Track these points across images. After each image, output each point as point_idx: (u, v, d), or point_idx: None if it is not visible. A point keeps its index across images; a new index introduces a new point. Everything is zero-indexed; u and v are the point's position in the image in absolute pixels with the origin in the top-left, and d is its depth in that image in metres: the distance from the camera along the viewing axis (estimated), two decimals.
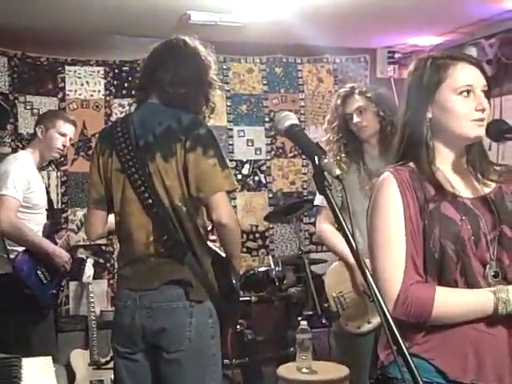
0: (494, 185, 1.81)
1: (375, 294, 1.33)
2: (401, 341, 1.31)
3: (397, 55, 5.57)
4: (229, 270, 2.54)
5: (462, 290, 1.70)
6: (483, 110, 1.74)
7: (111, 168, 2.53)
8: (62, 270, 3.79)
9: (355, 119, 3.19)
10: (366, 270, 1.34)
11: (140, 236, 2.47)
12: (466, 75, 1.76)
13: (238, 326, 2.45)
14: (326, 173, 1.41)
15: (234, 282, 2.54)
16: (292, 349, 3.89)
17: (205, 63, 2.57)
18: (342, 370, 3.36)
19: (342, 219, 1.35)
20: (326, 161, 1.42)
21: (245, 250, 5.28)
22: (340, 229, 1.36)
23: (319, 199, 3.29)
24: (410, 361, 1.30)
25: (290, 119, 1.54)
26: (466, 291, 1.70)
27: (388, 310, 1.59)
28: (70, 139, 3.90)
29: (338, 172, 1.40)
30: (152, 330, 2.44)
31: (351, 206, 3.27)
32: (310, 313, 4.09)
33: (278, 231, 5.42)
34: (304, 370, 3.36)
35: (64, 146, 3.81)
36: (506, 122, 1.78)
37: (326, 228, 3.26)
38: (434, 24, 4.79)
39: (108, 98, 5.00)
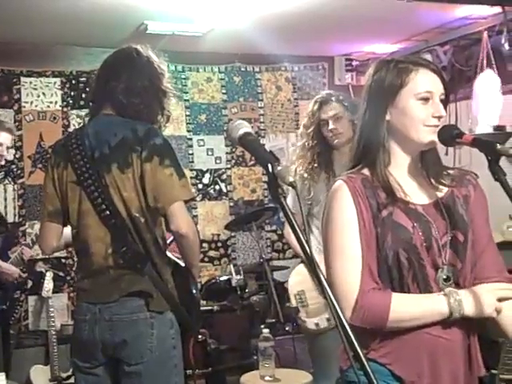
0: (446, 189, 1.83)
1: (330, 299, 1.33)
2: (357, 346, 1.32)
3: (354, 63, 5.64)
4: (188, 279, 2.53)
5: (416, 295, 1.72)
6: (439, 118, 1.76)
7: (66, 180, 2.49)
8: (11, 285, 3.72)
9: (331, 125, 3.22)
10: (321, 276, 1.35)
11: (98, 248, 2.44)
12: (426, 82, 1.77)
13: (200, 336, 2.44)
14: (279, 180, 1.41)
15: (194, 291, 2.54)
16: (256, 357, 3.88)
17: (158, 72, 2.55)
18: (304, 377, 3.37)
19: (296, 226, 1.36)
20: (279, 168, 1.42)
21: (207, 259, 5.28)
22: (295, 235, 1.36)
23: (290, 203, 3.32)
24: (366, 365, 1.31)
25: (244, 127, 1.54)
26: (420, 296, 1.72)
27: (344, 316, 1.63)
28: (7, 148, 3.87)
29: (291, 179, 1.39)
30: (113, 343, 2.41)
31: (319, 214, 3.32)
32: (273, 320, 4.09)
33: (240, 240, 5.42)
34: (267, 378, 3.36)
35: (1, 155, 3.77)
36: (457, 127, 1.81)
37: (290, 231, 3.29)
38: (389, 32, 4.86)
39: (65, 109, 4.95)
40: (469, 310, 1.69)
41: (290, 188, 1.40)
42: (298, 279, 3.36)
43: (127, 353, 2.39)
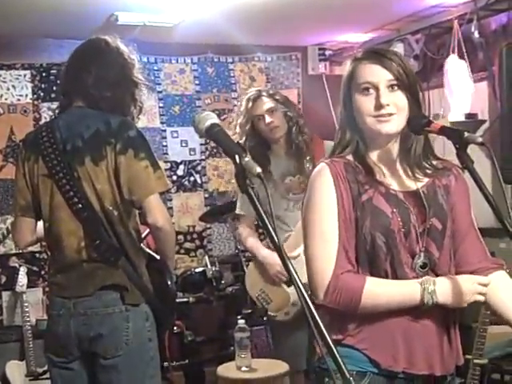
0: (427, 179, 1.85)
1: (299, 288, 1.33)
2: (325, 332, 1.32)
3: (327, 52, 5.64)
4: (164, 272, 2.53)
5: (391, 280, 1.74)
6: (381, 107, 1.76)
7: (38, 174, 2.47)
8: None
9: (267, 119, 3.29)
10: (289, 265, 1.35)
11: (71, 242, 2.43)
12: (365, 73, 1.80)
13: (175, 328, 2.45)
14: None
15: (169, 283, 2.53)
16: (233, 348, 3.89)
17: (128, 62, 2.53)
18: (281, 367, 3.39)
19: (262, 215, 1.38)
20: (247, 159, 1.42)
21: (182, 251, 5.26)
22: (263, 226, 1.37)
23: (238, 208, 3.42)
24: (335, 350, 1.32)
25: (211, 119, 1.54)
26: (394, 282, 1.74)
27: (317, 297, 1.68)
28: None
29: (258, 170, 1.40)
30: (88, 336, 2.40)
31: (275, 210, 3.34)
32: (249, 311, 4.11)
33: (216, 231, 5.41)
34: (243, 369, 3.37)
35: None
36: (425, 115, 1.82)
37: (241, 231, 3.46)
38: (361, 21, 4.86)
39: (36, 102, 4.88)
40: (443, 299, 1.70)
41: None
42: (251, 280, 3.44)
43: (103, 346, 2.39)
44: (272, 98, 3.34)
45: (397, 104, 1.78)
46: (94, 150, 2.40)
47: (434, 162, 1.88)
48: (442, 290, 1.71)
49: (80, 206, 2.40)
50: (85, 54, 2.53)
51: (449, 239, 1.81)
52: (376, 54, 1.84)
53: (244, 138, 3.31)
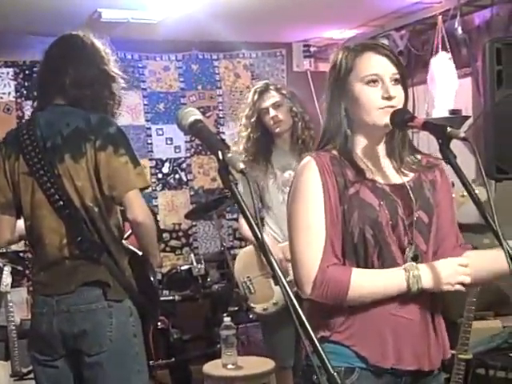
0: (412, 174, 1.85)
1: (283, 284, 1.33)
2: (310, 330, 1.32)
3: (312, 49, 5.64)
4: (146, 268, 2.53)
5: (375, 270, 1.74)
6: (390, 98, 1.77)
7: (18, 172, 2.46)
8: None
9: (272, 113, 3.32)
10: (273, 261, 1.34)
11: (53, 239, 2.42)
12: (371, 65, 1.79)
13: (159, 323, 2.45)
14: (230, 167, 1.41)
15: (151, 279, 2.54)
16: (219, 346, 3.89)
17: (104, 58, 2.53)
18: (267, 364, 3.39)
19: (245, 210, 1.37)
20: (229, 155, 1.42)
21: (168, 248, 5.25)
22: (245, 220, 1.36)
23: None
24: (319, 347, 1.31)
25: (193, 115, 1.53)
26: (379, 271, 1.74)
27: (304, 292, 1.68)
28: None
29: (242, 166, 1.40)
30: (72, 334, 2.39)
31: (269, 200, 3.36)
32: (236, 308, 4.10)
33: (201, 228, 5.40)
34: (229, 366, 3.37)
35: None
36: (408, 111, 1.82)
37: (242, 222, 3.37)
38: (346, 17, 4.86)
39: (19, 100, 4.85)
40: (428, 283, 1.71)
41: (241, 176, 1.40)
42: (242, 265, 3.45)
43: (87, 343, 2.38)
44: (279, 92, 3.35)
45: (399, 98, 1.79)
46: (74, 147, 2.40)
47: (419, 157, 1.89)
48: (426, 274, 1.71)
49: (61, 203, 2.40)
50: (62, 53, 2.52)
51: (434, 233, 1.82)
52: (377, 46, 1.83)
53: (249, 130, 3.34)
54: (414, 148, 1.90)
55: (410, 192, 1.81)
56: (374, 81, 1.78)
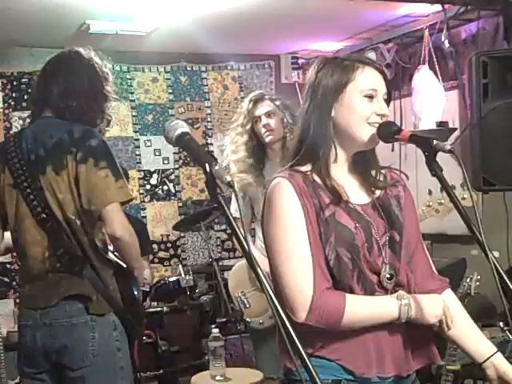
0: (379, 191, 1.85)
1: (271, 299, 1.33)
2: (298, 344, 1.32)
3: (300, 61, 5.67)
4: (130, 281, 2.51)
5: (369, 297, 1.73)
6: (383, 116, 1.78)
7: (4, 184, 2.47)
8: None
9: (264, 121, 3.31)
10: (261, 274, 1.34)
11: (36, 252, 2.42)
12: (371, 79, 1.79)
13: (144, 338, 2.42)
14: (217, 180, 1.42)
15: (135, 293, 2.52)
16: (207, 357, 3.87)
17: (98, 75, 2.52)
18: (255, 375, 3.37)
19: (233, 224, 1.37)
20: (217, 167, 1.42)
21: (157, 260, 5.24)
22: (232, 233, 1.36)
23: (234, 210, 3.37)
24: (308, 363, 1.31)
25: (180, 127, 1.53)
26: (372, 299, 1.73)
27: (297, 317, 1.65)
28: None
29: (228, 179, 1.40)
30: (54, 348, 2.38)
31: (259, 212, 3.36)
32: (224, 320, 4.08)
33: (190, 240, 5.39)
34: (218, 378, 3.35)
35: None
36: (395, 123, 1.83)
37: None
38: (334, 30, 4.90)
39: (7, 111, 4.86)
40: (415, 314, 1.72)
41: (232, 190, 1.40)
42: (236, 280, 3.45)
43: (69, 358, 2.37)
44: (273, 102, 3.36)
45: (387, 118, 1.80)
46: (56, 160, 2.39)
47: (383, 171, 1.89)
48: (415, 305, 1.72)
49: (44, 215, 2.39)
50: (54, 66, 2.53)
51: (405, 250, 1.81)
52: (374, 62, 1.84)
53: (244, 138, 3.34)
54: (377, 163, 1.88)
55: (381, 210, 1.80)
56: (371, 96, 1.78)
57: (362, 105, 1.77)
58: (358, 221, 1.75)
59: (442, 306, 1.75)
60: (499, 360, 1.82)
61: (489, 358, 1.81)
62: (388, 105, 1.83)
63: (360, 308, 1.71)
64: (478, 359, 1.83)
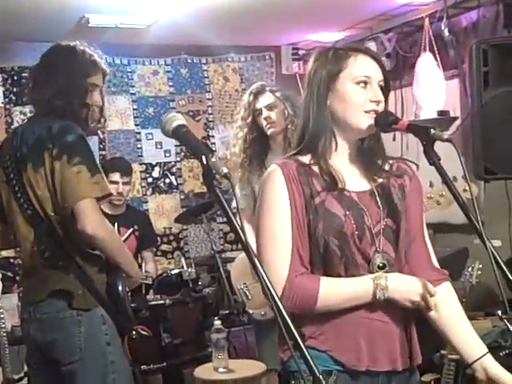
0: (381, 179, 1.84)
1: (268, 288, 1.34)
2: (295, 333, 1.33)
3: (301, 52, 5.65)
4: (115, 276, 2.47)
5: (344, 279, 1.73)
6: (378, 102, 1.77)
7: (0, 180, 2.51)
8: None
9: (265, 114, 3.30)
10: (258, 265, 1.35)
11: (26, 247, 2.46)
12: (364, 66, 1.79)
13: (134, 333, 2.41)
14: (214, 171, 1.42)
15: (119, 288, 2.46)
16: (210, 349, 3.88)
17: (82, 67, 2.50)
18: (258, 367, 3.39)
19: (230, 214, 1.38)
20: (213, 160, 1.42)
21: (159, 253, 5.25)
22: (229, 224, 1.37)
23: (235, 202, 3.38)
24: (306, 352, 1.32)
25: (177, 120, 1.53)
26: (347, 280, 1.73)
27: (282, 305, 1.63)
28: None
29: (225, 170, 1.41)
30: (44, 342, 2.42)
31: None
32: (227, 312, 4.09)
33: (192, 232, 5.40)
34: (221, 370, 3.37)
35: None
36: (392, 113, 1.83)
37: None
38: (334, 20, 4.88)
39: (8, 106, 4.85)
40: (394, 294, 1.71)
41: (238, 180, 1.40)
42: (238, 272, 3.46)
43: (58, 352, 2.39)
44: (274, 93, 3.35)
45: (383, 104, 1.79)
46: (35, 157, 2.40)
47: (390, 161, 1.89)
48: (393, 285, 1.71)
49: (30, 211, 2.42)
50: (39, 63, 2.55)
51: (403, 239, 1.81)
52: (370, 50, 1.85)
53: (246, 131, 3.33)
54: (384, 154, 1.88)
55: (378, 198, 1.80)
56: (365, 82, 1.77)
57: (355, 92, 1.77)
58: (350, 208, 1.75)
59: (420, 291, 1.73)
60: (489, 362, 1.79)
61: (478, 359, 1.79)
62: (387, 93, 1.83)
63: (334, 290, 1.71)
64: (467, 359, 1.81)
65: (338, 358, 1.73)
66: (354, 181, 1.82)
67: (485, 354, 1.80)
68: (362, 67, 1.78)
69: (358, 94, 1.77)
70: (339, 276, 1.73)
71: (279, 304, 1.35)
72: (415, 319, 1.84)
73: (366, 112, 1.77)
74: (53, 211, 2.38)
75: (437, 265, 1.90)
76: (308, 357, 1.32)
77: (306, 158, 1.81)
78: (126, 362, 2.54)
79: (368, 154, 1.85)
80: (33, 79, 2.54)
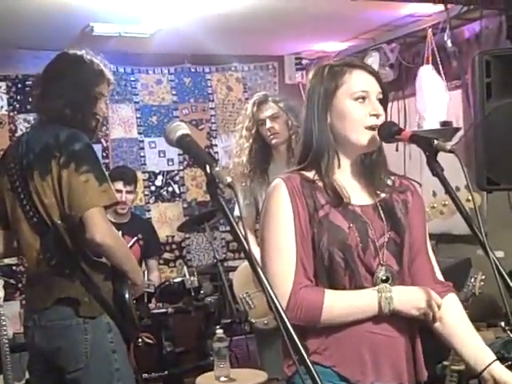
0: (384, 194, 1.84)
1: (272, 299, 1.34)
2: (301, 348, 1.32)
3: (304, 61, 5.66)
4: (122, 284, 2.48)
5: (349, 291, 1.73)
6: (378, 116, 1.77)
7: (4, 188, 2.51)
8: None
9: (268, 124, 3.30)
10: (261, 275, 1.35)
11: (31, 254, 2.45)
12: (361, 81, 1.79)
13: (140, 340, 2.40)
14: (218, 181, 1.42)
15: (126, 296, 2.47)
16: (212, 358, 3.88)
17: (89, 76, 2.51)
18: (260, 376, 3.39)
19: (233, 223, 1.38)
20: (217, 169, 1.43)
21: (162, 261, 5.24)
22: (232, 233, 1.37)
23: (237, 211, 3.38)
24: (311, 366, 1.32)
25: (181, 129, 1.54)
26: (352, 292, 1.73)
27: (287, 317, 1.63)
28: None
29: (229, 180, 1.41)
30: (50, 349, 2.41)
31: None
32: (229, 321, 4.09)
33: (195, 241, 5.40)
34: (222, 379, 3.36)
35: None
36: (395, 123, 1.83)
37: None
38: (337, 31, 4.90)
39: (12, 114, 4.87)
40: (400, 305, 1.71)
41: (240, 189, 1.41)
42: (240, 281, 3.46)
43: (64, 360, 2.39)
44: (277, 104, 3.34)
45: (383, 117, 1.79)
46: (42, 164, 2.40)
47: (392, 177, 1.89)
48: (398, 296, 1.72)
49: (35, 219, 2.42)
50: (46, 70, 2.55)
51: (406, 253, 1.81)
52: (365, 65, 1.85)
53: (250, 141, 3.33)
54: (387, 169, 1.88)
55: (382, 212, 1.80)
56: (363, 97, 1.78)
57: (354, 108, 1.77)
58: (353, 221, 1.76)
59: (426, 298, 1.74)
60: (499, 370, 1.78)
61: (487, 367, 1.77)
62: (386, 105, 1.83)
63: (339, 302, 1.71)
64: (476, 368, 1.79)
65: (342, 373, 1.72)
66: (357, 195, 1.82)
67: (494, 361, 1.79)
68: (358, 82, 1.79)
69: (357, 109, 1.78)
70: (344, 289, 1.73)
71: (284, 316, 1.34)
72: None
73: (366, 128, 1.77)
74: (60, 219, 2.38)
75: (441, 278, 1.90)
76: (314, 373, 1.31)
77: (310, 174, 1.82)
78: (130, 370, 2.54)
79: (370, 168, 1.85)
80: (41, 88, 2.53)
